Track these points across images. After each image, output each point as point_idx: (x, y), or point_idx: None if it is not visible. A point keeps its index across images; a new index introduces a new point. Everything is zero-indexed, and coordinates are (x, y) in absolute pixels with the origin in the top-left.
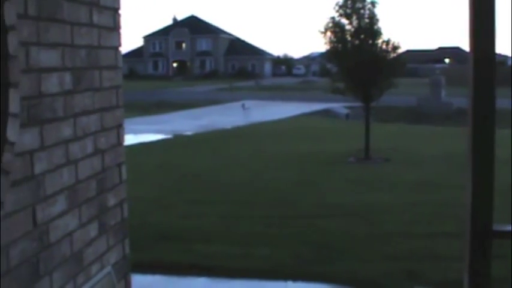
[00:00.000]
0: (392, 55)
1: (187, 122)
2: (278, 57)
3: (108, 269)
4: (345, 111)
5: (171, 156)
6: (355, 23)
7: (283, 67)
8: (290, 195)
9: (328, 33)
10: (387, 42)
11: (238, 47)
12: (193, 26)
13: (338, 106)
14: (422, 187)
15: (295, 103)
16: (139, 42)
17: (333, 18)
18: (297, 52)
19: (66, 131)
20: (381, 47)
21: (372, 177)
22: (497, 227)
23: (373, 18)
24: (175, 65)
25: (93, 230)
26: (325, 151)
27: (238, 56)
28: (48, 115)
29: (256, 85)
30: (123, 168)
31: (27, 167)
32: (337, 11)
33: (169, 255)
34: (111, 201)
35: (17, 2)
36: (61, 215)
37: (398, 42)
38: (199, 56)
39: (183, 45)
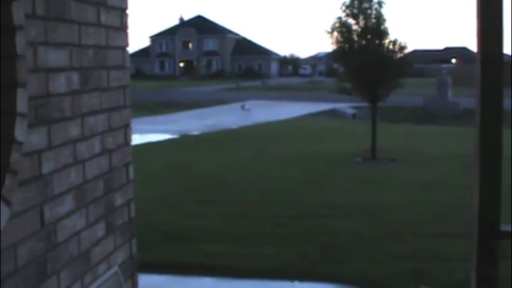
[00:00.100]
0: (399, 55)
1: (193, 122)
2: (285, 57)
3: (115, 268)
4: (352, 111)
5: (177, 156)
6: (361, 23)
7: (290, 67)
8: (296, 195)
9: (335, 33)
10: (394, 42)
11: (245, 47)
12: (200, 26)
13: (344, 106)
14: (429, 187)
15: (301, 103)
16: (146, 42)
17: (339, 18)
18: (303, 52)
19: (74, 130)
20: (387, 47)
21: (379, 177)
22: (505, 227)
23: (379, 18)
24: (181, 65)
25: (100, 229)
26: (331, 151)
27: (245, 56)
28: (55, 115)
29: (263, 85)
30: (131, 168)
31: (35, 167)
32: (344, 11)
33: (176, 255)
34: (119, 201)
35: (25, 2)
36: (68, 214)
37: (405, 42)
38: (205, 56)
39: (190, 45)
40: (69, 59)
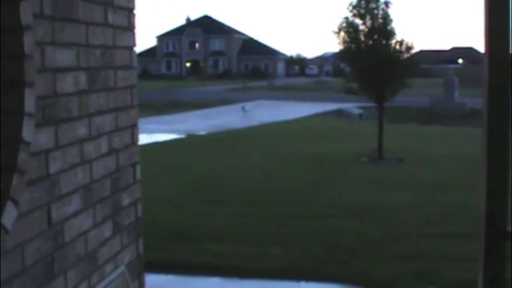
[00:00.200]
0: (406, 55)
1: (200, 122)
2: (291, 57)
3: (122, 268)
4: (358, 111)
5: (184, 156)
6: (368, 23)
7: (297, 67)
8: (303, 195)
9: (342, 34)
10: (401, 42)
11: (252, 47)
12: (206, 26)
13: (351, 106)
14: (436, 187)
15: (308, 103)
16: (152, 42)
17: (346, 18)
18: (310, 52)
19: (81, 130)
20: (394, 47)
21: (385, 178)
22: None
23: (386, 19)
24: (188, 64)
25: (107, 229)
26: (338, 151)
27: (252, 56)
28: (63, 115)
29: (269, 85)
30: (138, 168)
31: (42, 167)
32: (351, 11)
33: (182, 254)
34: (126, 200)
35: (32, 2)
36: (76, 214)
37: (411, 43)
38: (212, 56)
39: (197, 45)
40: (76, 59)
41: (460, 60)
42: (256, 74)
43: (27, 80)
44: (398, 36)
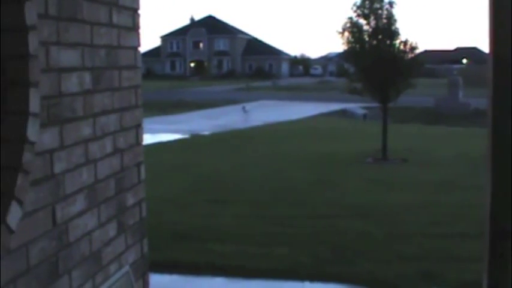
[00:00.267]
0: (410, 55)
1: (204, 122)
2: (295, 57)
3: (126, 268)
4: (362, 111)
5: (188, 156)
6: (372, 23)
7: (301, 67)
8: (307, 195)
9: (346, 34)
10: (405, 42)
11: (256, 47)
12: (210, 26)
13: (355, 106)
14: (441, 187)
15: (312, 103)
16: (156, 42)
17: (350, 18)
18: (314, 52)
19: (86, 130)
20: (398, 48)
21: (390, 178)
22: None
23: (390, 19)
24: (192, 64)
25: (111, 229)
26: (342, 151)
27: (256, 56)
28: (67, 115)
29: (274, 85)
30: (142, 168)
31: (47, 167)
32: (355, 11)
33: (187, 254)
34: (130, 200)
35: (37, 1)
36: (80, 214)
37: (416, 43)
38: (216, 56)
39: (201, 45)
40: (81, 58)
41: (464, 60)
42: (260, 74)
43: (32, 80)
44: (402, 37)
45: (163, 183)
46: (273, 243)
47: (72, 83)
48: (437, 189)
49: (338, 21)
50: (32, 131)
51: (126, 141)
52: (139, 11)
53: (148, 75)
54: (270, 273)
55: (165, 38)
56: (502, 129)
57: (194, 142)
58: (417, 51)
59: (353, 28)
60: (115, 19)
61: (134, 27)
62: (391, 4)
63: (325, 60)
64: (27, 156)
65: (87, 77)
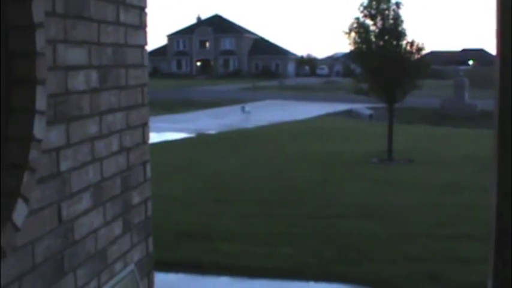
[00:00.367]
0: (417, 56)
1: (210, 121)
2: (302, 57)
3: (131, 266)
4: (368, 112)
5: (193, 155)
6: (379, 23)
7: (307, 67)
8: (313, 195)
9: (353, 34)
10: (411, 43)
11: (262, 47)
12: (217, 25)
13: (361, 107)
14: (446, 188)
15: (318, 103)
16: (163, 41)
17: (357, 18)
18: (320, 52)
19: (92, 128)
20: (405, 48)
21: (395, 178)
22: None
23: (397, 19)
24: (198, 63)
25: (117, 227)
26: (348, 152)
27: (262, 56)
28: (74, 112)
29: (280, 85)
30: (148, 167)
31: (53, 164)
32: (362, 12)
33: (192, 253)
34: (136, 199)
35: None
36: (86, 212)
37: (422, 44)
38: (222, 55)
39: (207, 44)
40: (88, 57)
41: (471, 62)
42: (267, 73)
43: (38, 77)
44: (409, 37)
45: (169, 182)
46: (278, 243)
47: (78, 81)
48: (443, 190)
49: (345, 21)
50: (39, 128)
51: (133, 140)
52: (146, 10)
53: (155, 74)
54: (274, 273)
55: (172, 37)
56: (508, 131)
57: (200, 141)
58: (424, 52)
59: (360, 28)
60: (122, 17)
61: (141, 26)
62: (398, 5)
63: (332, 60)
64: (33, 154)
65: (94, 75)
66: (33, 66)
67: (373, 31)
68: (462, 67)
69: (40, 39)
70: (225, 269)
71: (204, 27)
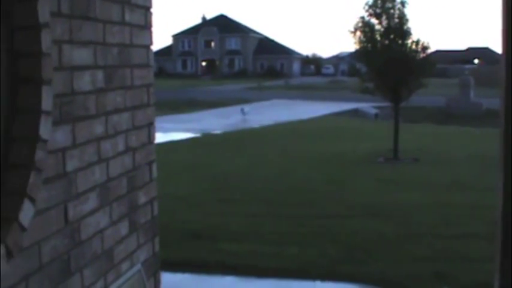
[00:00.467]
0: (422, 55)
1: (215, 121)
2: (307, 57)
3: (138, 266)
4: (374, 111)
5: (199, 155)
6: (384, 22)
7: (312, 66)
8: (319, 195)
9: (358, 33)
10: (417, 42)
11: (267, 46)
12: (222, 25)
13: (367, 106)
14: (452, 188)
15: (324, 102)
16: (168, 41)
17: (362, 17)
18: (326, 52)
19: (98, 128)
20: (410, 47)
21: (401, 178)
22: None
23: (402, 18)
24: (204, 63)
25: (123, 227)
26: (354, 151)
27: (267, 55)
28: (80, 113)
29: (285, 84)
30: (154, 167)
31: (59, 165)
32: (367, 11)
33: (198, 253)
34: (142, 199)
35: (50, 0)
36: (92, 212)
37: (427, 43)
38: (228, 55)
39: (212, 44)
40: (93, 57)
41: (476, 61)
42: (272, 73)
43: (44, 78)
44: (414, 36)
45: (175, 182)
46: (284, 243)
47: (84, 81)
48: (449, 189)
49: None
50: (45, 129)
51: (138, 140)
52: (152, 10)
53: (160, 74)
54: (280, 273)
55: (177, 37)
56: None
57: (206, 141)
58: (429, 51)
59: (365, 27)
60: (127, 17)
61: (146, 26)
62: (403, 4)
63: (337, 59)
64: (39, 154)
65: (99, 75)
66: (39, 66)
67: (379, 30)
68: (467, 66)
69: (46, 40)
70: (231, 269)
71: (209, 27)
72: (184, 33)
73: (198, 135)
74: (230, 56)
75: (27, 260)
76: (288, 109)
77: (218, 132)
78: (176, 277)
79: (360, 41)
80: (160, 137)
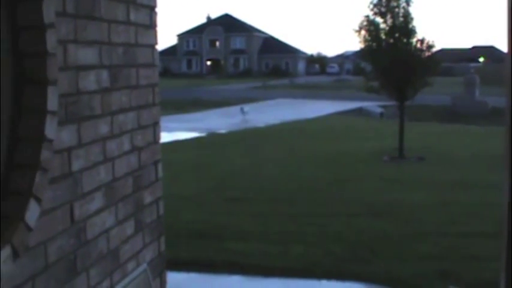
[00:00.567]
0: (427, 54)
1: (221, 120)
2: (312, 56)
3: (143, 266)
4: (379, 110)
5: (205, 154)
6: (389, 21)
7: (317, 65)
8: (324, 194)
9: (363, 32)
10: (422, 40)
11: (272, 46)
12: (227, 25)
13: (372, 105)
14: (458, 186)
15: (329, 101)
16: (173, 41)
17: (367, 16)
18: (330, 51)
19: (104, 128)
20: (415, 46)
21: (407, 176)
22: None
23: (407, 17)
24: (209, 63)
25: (129, 227)
26: (359, 150)
27: (272, 55)
28: (85, 112)
29: (290, 83)
30: (159, 166)
31: (65, 164)
32: (372, 10)
33: (204, 253)
34: (147, 198)
35: (55, 0)
36: (98, 212)
37: (432, 41)
38: (233, 55)
39: (217, 43)
40: (99, 56)
41: (481, 59)
42: (277, 72)
43: (50, 78)
44: (419, 35)
45: (181, 181)
46: (290, 242)
47: (89, 81)
48: (454, 187)
49: (355, 19)
50: (50, 129)
51: (144, 139)
52: (156, 9)
53: (165, 73)
54: (286, 272)
55: (182, 37)
56: None
57: (211, 140)
58: (434, 49)
59: (370, 26)
60: (132, 17)
61: (151, 25)
62: (408, 2)
63: (342, 58)
64: (45, 154)
65: (104, 75)
66: (44, 66)
67: (383, 29)
68: (473, 64)
69: (51, 40)
70: (237, 268)
71: (214, 26)
72: (189, 32)
73: (203, 134)
74: (235, 55)
75: (34, 260)
76: (293, 108)
77: (223, 131)
78: (182, 276)
79: (365, 40)
80: (165, 137)
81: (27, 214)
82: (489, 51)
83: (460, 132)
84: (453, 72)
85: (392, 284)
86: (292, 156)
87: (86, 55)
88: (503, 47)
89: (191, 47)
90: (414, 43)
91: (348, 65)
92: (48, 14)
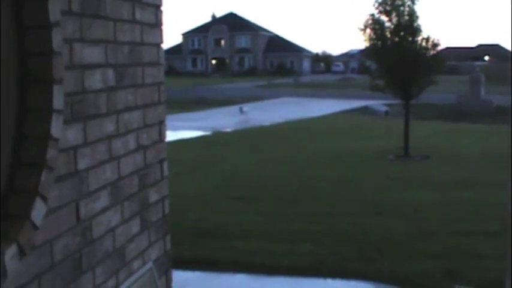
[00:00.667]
0: (432, 52)
1: (226, 119)
2: (317, 54)
3: (149, 265)
4: (384, 108)
5: (210, 153)
6: (394, 20)
7: (322, 64)
8: (330, 193)
9: (368, 30)
10: (427, 39)
11: (277, 44)
12: (232, 23)
13: (377, 103)
14: (463, 185)
15: (334, 100)
16: (178, 39)
17: (372, 15)
18: (335, 49)
19: (109, 127)
20: (420, 44)
21: (412, 175)
22: None
23: (412, 15)
24: (214, 62)
25: (135, 226)
26: (364, 148)
27: (277, 53)
28: (91, 111)
29: (295, 82)
30: (165, 165)
31: (71, 163)
32: (377, 8)
33: (209, 251)
34: (153, 197)
35: None
36: (104, 210)
37: (438, 40)
38: (238, 53)
39: (222, 42)
40: (104, 55)
41: (487, 58)
42: (282, 71)
43: (55, 76)
44: (424, 33)
45: (186, 180)
46: (295, 241)
47: (95, 80)
48: (460, 186)
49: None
50: (56, 127)
51: (149, 138)
52: (162, 8)
53: (170, 72)
54: (292, 270)
55: (187, 35)
56: None
57: (216, 139)
58: (439, 48)
59: (375, 25)
60: (138, 16)
61: (157, 24)
62: (413, 1)
63: (347, 57)
64: (51, 153)
65: (110, 73)
66: (49, 65)
67: (389, 27)
68: (478, 63)
69: (56, 38)
70: (243, 267)
71: (219, 25)
72: (194, 31)
73: (208, 133)
74: (240, 54)
75: (40, 259)
76: (298, 107)
77: (228, 130)
78: (187, 275)
79: (370, 39)
80: (170, 136)
81: (33, 213)
82: (494, 49)
83: (465, 131)
84: (458, 70)
85: (398, 282)
86: (297, 155)
87: (92, 54)
88: (509, 46)
89: (196, 46)
90: (419, 42)
91: (353, 64)
92: (54, 12)
